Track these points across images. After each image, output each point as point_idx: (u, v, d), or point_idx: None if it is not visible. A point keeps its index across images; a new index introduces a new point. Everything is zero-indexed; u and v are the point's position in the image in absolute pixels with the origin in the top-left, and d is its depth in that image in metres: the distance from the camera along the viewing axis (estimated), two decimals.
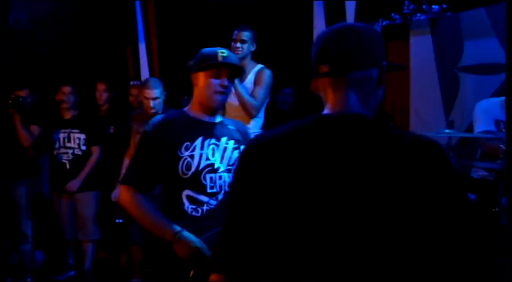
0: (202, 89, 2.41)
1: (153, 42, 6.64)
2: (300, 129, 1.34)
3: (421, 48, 4.82)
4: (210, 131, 2.41)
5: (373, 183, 1.25)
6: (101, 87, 5.07)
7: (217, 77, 2.38)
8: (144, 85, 4.39)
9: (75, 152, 4.70)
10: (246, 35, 4.26)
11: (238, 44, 4.24)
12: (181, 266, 2.22)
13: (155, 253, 2.36)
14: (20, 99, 4.45)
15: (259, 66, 4.34)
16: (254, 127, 4.32)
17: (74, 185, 4.65)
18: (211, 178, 2.36)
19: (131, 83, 5.31)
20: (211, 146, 2.39)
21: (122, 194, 2.36)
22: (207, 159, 2.35)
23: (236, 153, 2.47)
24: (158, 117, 2.45)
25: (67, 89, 4.75)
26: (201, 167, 2.33)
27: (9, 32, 5.83)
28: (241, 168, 1.39)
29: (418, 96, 4.71)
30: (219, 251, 1.40)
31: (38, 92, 4.95)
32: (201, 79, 2.41)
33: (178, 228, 2.21)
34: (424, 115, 4.73)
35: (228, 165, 2.42)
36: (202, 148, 2.36)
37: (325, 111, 1.38)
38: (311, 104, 5.29)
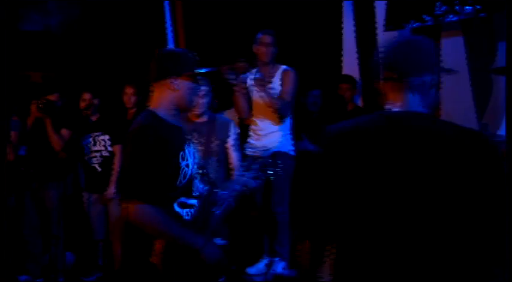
0: (183, 93, 2.34)
1: (182, 45, 6.67)
2: (371, 123, 1.65)
3: (452, 50, 4.73)
4: (186, 137, 2.42)
5: (437, 169, 1.54)
6: (130, 90, 5.11)
7: (197, 82, 2.42)
8: None
9: (103, 154, 4.75)
10: (271, 39, 4.29)
11: (265, 48, 4.27)
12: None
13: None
14: (51, 104, 4.52)
15: (283, 67, 4.34)
16: (285, 128, 4.34)
17: (110, 192, 4.68)
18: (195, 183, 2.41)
19: None
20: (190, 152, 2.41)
21: (138, 211, 2.18)
22: (193, 166, 2.37)
23: (198, 155, 2.51)
24: (148, 123, 2.28)
25: (87, 95, 4.81)
26: (192, 174, 2.35)
27: (40, 36, 5.93)
28: (329, 154, 1.67)
29: (450, 99, 4.62)
30: (317, 224, 1.69)
31: (68, 96, 5.02)
32: (182, 83, 2.33)
33: (202, 238, 2.24)
34: (456, 118, 4.64)
35: (197, 168, 2.43)
36: (190, 155, 2.36)
37: (389, 108, 1.69)
38: (338, 105, 5.27)
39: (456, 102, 4.65)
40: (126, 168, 2.27)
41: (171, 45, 6.80)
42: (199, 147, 3.68)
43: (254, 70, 4.38)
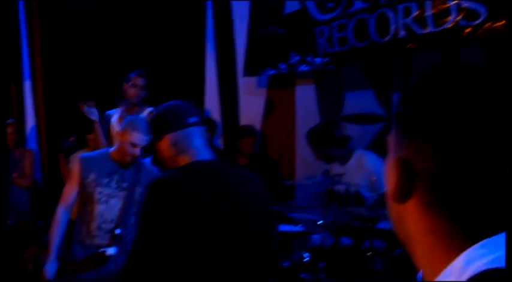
0: None
1: (39, 80, 6.40)
2: (186, 172, 1.83)
3: (305, 97, 5.05)
4: None
5: (246, 203, 1.81)
6: (10, 129, 4.85)
7: None
8: (132, 126, 3.27)
9: None
10: (143, 81, 4.29)
11: (137, 90, 4.26)
12: None
13: None
14: None
15: (149, 109, 4.33)
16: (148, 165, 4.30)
17: None
18: None
19: (7, 121, 5.09)
20: None
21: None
22: None
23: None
24: None
25: None
26: None
27: None
28: (151, 201, 1.76)
29: (304, 143, 4.88)
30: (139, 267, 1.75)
31: None
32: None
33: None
34: (309, 161, 4.90)
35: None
36: None
37: (196, 157, 1.88)
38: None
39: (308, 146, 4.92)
40: None
41: (27, 82, 6.50)
42: (119, 193, 3.22)
43: (121, 108, 4.33)
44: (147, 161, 3.57)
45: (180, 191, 1.75)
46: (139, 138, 3.24)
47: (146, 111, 4.31)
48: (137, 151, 3.24)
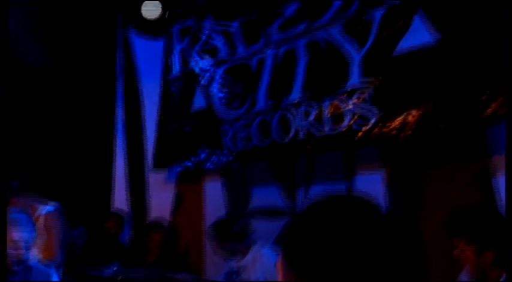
0: None
1: None
2: None
3: (213, 192, 5.10)
4: None
5: None
6: None
7: None
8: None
9: None
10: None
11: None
12: None
13: None
14: None
15: (47, 208, 4.18)
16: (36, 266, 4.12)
17: None
18: None
19: None
20: None
21: None
22: None
23: None
24: None
25: None
26: None
27: None
28: None
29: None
30: None
31: None
32: None
33: None
34: (218, 258, 4.88)
35: None
36: None
37: None
38: (103, 240, 5.12)
39: None
40: None
41: None
42: None
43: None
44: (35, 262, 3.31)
45: None
46: (18, 236, 3.05)
47: (43, 212, 4.15)
48: (21, 251, 3.05)
